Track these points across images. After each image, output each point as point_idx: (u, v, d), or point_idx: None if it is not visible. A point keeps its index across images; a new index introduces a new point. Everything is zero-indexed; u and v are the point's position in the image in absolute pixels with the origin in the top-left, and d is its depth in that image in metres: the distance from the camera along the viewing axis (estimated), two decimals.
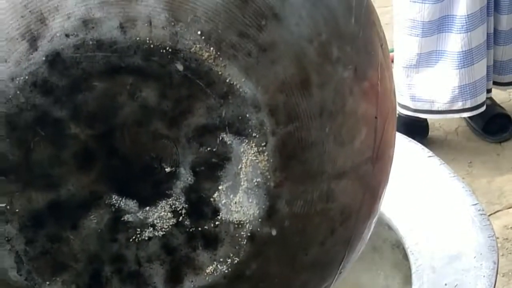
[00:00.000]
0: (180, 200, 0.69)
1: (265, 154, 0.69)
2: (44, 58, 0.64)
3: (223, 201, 0.70)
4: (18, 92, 0.64)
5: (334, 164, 0.74)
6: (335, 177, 0.74)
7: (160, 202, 0.69)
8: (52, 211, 0.67)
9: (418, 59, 2.29)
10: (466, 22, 2.19)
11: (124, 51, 0.65)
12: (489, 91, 2.44)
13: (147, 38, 0.65)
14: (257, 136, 0.69)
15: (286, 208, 0.72)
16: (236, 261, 0.71)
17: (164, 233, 0.69)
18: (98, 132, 0.66)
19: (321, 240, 0.76)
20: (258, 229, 0.71)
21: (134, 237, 0.69)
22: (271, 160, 0.70)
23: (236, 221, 0.70)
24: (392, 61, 2.49)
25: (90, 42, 0.64)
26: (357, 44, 0.74)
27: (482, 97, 2.36)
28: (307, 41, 0.70)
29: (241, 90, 0.68)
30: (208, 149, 0.68)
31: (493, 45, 2.37)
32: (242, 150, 0.69)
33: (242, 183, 0.70)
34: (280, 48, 0.68)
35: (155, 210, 0.69)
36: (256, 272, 0.73)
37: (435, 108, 2.36)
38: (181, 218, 0.69)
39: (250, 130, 0.68)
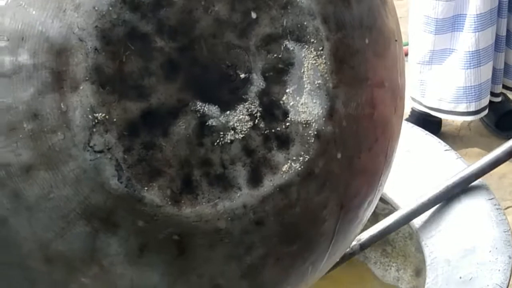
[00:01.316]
0: (255, 104, 0.73)
1: (323, 57, 0.75)
2: None
3: (291, 103, 0.75)
4: (110, 8, 0.68)
5: (375, 72, 0.80)
6: (376, 85, 0.80)
7: (238, 106, 0.73)
8: (145, 120, 0.69)
9: (431, 56, 2.23)
10: (474, 22, 2.14)
11: None
12: (498, 95, 2.35)
13: None
14: (315, 41, 0.75)
15: (343, 109, 0.77)
16: (306, 159, 0.75)
17: (243, 135, 0.73)
18: (180, 45, 0.70)
19: (369, 146, 0.81)
20: (323, 128, 0.75)
21: (218, 141, 0.72)
22: (328, 63, 0.75)
23: (304, 121, 0.75)
24: (406, 55, 2.40)
25: None
26: None
27: (486, 100, 2.27)
28: None
29: (298, 0, 0.74)
30: (275, 55, 0.73)
31: (505, 47, 2.28)
32: (303, 55, 0.75)
33: (305, 86, 0.75)
34: None
35: (235, 114, 0.72)
36: (322, 171, 0.76)
37: (442, 107, 2.28)
38: (256, 121, 0.73)
39: (308, 37, 0.74)
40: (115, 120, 0.67)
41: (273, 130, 0.72)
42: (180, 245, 0.71)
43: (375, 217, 1.34)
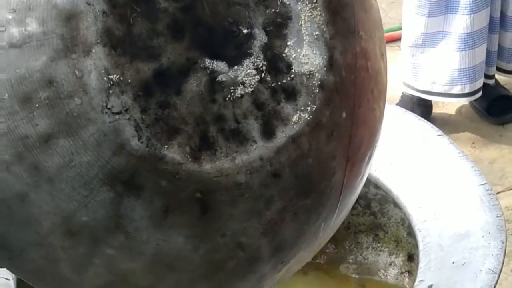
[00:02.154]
0: (259, 58, 0.74)
1: (318, 9, 0.76)
2: None
3: (293, 55, 0.75)
4: None
5: (363, 26, 0.82)
6: (366, 39, 0.82)
7: (245, 61, 0.73)
8: (158, 79, 0.68)
9: (424, 38, 2.20)
10: (470, 4, 2.13)
11: None
12: (491, 77, 2.33)
13: None
14: None
15: (341, 59, 0.78)
16: (314, 109, 0.76)
17: (252, 89, 0.73)
18: (183, 5, 0.69)
19: (367, 97, 0.83)
20: (325, 77, 0.77)
21: (229, 96, 0.72)
22: (323, 15, 0.77)
23: (307, 72, 0.76)
24: (399, 40, 2.38)
25: None
26: None
27: (480, 82, 2.25)
28: None
29: None
30: (273, 10, 0.74)
31: (499, 30, 2.26)
32: (299, 8, 0.76)
33: (304, 37, 0.76)
34: None
35: (242, 68, 0.73)
36: (329, 120, 0.77)
37: (435, 89, 2.24)
38: (263, 74, 0.73)
39: None
40: (129, 81, 0.67)
41: (279, 83, 0.73)
42: (202, 204, 0.71)
43: (368, 202, 1.34)
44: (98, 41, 0.66)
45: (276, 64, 0.73)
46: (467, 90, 2.28)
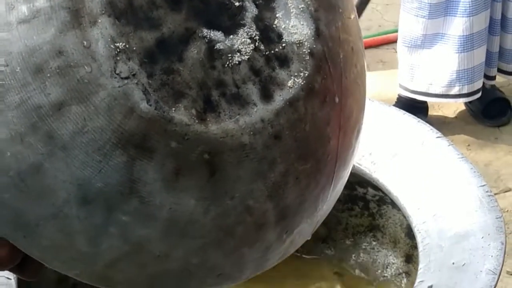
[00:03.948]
0: (252, 28, 0.77)
1: None
2: None
3: (282, 26, 0.78)
4: None
5: (342, 3, 0.86)
6: (346, 16, 0.86)
7: (239, 30, 0.76)
8: (160, 47, 0.70)
9: (423, 40, 2.22)
10: (469, 6, 2.16)
11: None
12: (492, 78, 2.35)
13: None
14: None
15: (326, 30, 0.81)
16: (306, 74, 0.78)
17: (248, 57, 0.75)
18: None
19: (352, 70, 0.85)
20: (314, 46, 0.79)
21: (227, 63, 0.74)
22: None
23: (297, 41, 0.79)
24: (396, 42, 2.35)
25: None
26: None
27: (479, 83, 2.27)
28: None
29: None
30: None
31: (500, 32, 2.29)
32: None
33: (291, 10, 0.79)
34: None
35: (238, 37, 0.75)
36: (321, 86, 0.80)
37: (431, 91, 2.25)
38: (257, 43, 0.76)
39: None
40: (134, 48, 0.69)
41: (272, 51, 0.76)
42: (211, 165, 0.72)
43: (366, 204, 1.35)
44: (103, 12, 0.68)
45: (268, 34, 0.76)
46: (465, 91, 2.32)
